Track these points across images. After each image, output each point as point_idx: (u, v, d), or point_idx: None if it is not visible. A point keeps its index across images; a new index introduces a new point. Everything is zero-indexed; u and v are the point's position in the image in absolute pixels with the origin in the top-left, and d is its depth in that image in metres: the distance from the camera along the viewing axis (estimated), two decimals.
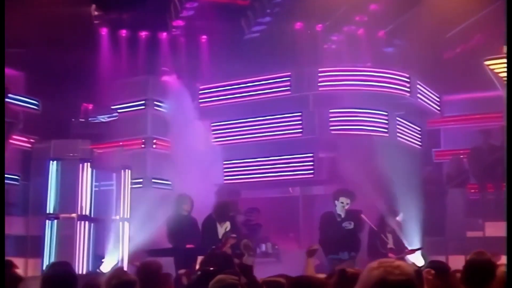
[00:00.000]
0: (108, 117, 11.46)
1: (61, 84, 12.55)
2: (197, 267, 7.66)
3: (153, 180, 12.43)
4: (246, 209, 12.41)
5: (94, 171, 10.78)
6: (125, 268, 9.79)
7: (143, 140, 12.67)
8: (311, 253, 6.03)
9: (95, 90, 12.49)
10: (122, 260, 10.45)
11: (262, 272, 10.06)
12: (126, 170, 10.89)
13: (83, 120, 12.20)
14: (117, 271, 5.27)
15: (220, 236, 9.27)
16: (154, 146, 12.75)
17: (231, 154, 13.20)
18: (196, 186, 10.89)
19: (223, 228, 9.45)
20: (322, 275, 4.71)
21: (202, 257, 8.75)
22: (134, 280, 4.60)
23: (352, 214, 9.57)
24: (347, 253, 9.29)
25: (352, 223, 9.47)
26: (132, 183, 11.49)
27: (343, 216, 9.50)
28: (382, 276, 2.55)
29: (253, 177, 13.08)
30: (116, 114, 11.41)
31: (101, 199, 11.00)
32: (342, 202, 9.48)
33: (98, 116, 11.86)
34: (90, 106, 12.70)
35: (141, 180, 12.18)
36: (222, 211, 9.42)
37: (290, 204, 13.48)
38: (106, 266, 10.28)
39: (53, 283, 4.61)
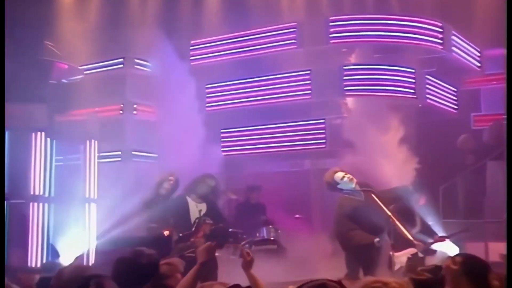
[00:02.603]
0: (71, 79, 10.17)
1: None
2: None
3: (134, 153, 11.95)
4: (245, 187, 11.59)
5: (54, 142, 9.50)
6: (92, 259, 9.27)
7: (121, 106, 12.20)
8: (248, 265, 4.67)
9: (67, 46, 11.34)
10: (88, 249, 9.47)
11: (257, 265, 9.61)
12: (92, 140, 9.75)
13: (54, 82, 10.99)
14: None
15: (192, 221, 7.89)
16: (134, 112, 12.31)
17: (228, 121, 12.77)
18: (187, 160, 10.14)
19: (197, 210, 8.04)
20: None
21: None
22: (90, 277, 4.04)
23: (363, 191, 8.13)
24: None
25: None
26: (109, 156, 11.00)
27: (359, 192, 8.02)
28: None
29: (254, 148, 12.64)
30: (81, 75, 10.14)
31: (68, 176, 9.95)
32: (343, 177, 7.97)
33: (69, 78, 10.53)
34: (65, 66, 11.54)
35: (119, 152, 11.74)
36: (196, 188, 8.02)
37: (298, 180, 12.66)
38: (67, 257, 9.20)
39: None
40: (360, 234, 7.71)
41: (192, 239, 7.51)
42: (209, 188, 8.13)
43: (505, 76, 7.61)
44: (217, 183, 8.10)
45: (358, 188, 7.87)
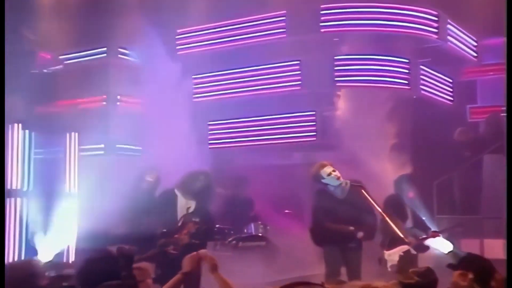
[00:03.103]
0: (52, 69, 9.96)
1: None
2: None
3: (118, 146, 11.77)
4: (233, 180, 11.50)
5: (32, 134, 9.26)
6: (72, 256, 9.15)
7: (105, 97, 11.97)
8: (214, 268, 4.49)
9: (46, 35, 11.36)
10: (68, 246, 9.29)
11: (242, 262, 9.32)
12: (72, 133, 9.50)
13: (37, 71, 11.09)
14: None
15: (178, 217, 7.65)
16: (118, 104, 12.06)
17: (216, 113, 12.56)
18: (173, 153, 10.09)
19: (185, 207, 7.79)
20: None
21: None
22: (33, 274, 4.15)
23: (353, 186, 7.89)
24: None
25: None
26: (91, 149, 10.79)
27: (343, 189, 7.80)
28: None
29: (242, 141, 12.47)
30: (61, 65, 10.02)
31: (48, 170, 9.79)
32: (330, 173, 7.73)
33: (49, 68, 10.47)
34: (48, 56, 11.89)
35: (102, 145, 11.54)
36: (189, 184, 7.78)
37: (287, 174, 12.31)
38: (46, 254, 9.07)
39: None
40: (335, 227, 7.52)
41: (176, 235, 7.26)
42: (202, 185, 7.88)
43: (505, 68, 7.57)
44: (211, 181, 7.83)
45: (344, 185, 7.65)
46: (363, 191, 7.50)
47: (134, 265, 4.75)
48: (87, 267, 4.30)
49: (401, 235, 7.72)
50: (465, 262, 4.44)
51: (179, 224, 7.42)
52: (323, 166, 7.80)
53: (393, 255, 7.85)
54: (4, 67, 8.78)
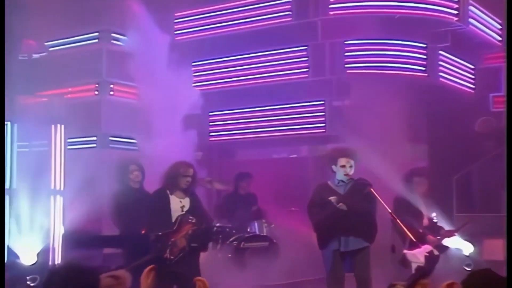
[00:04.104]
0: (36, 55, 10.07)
1: None
2: None
3: (111, 139, 11.55)
4: (235, 175, 11.12)
5: (15, 126, 9.14)
6: (58, 258, 8.92)
7: (96, 86, 11.75)
8: (147, 275, 4.39)
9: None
10: (53, 247, 9.08)
11: (244, 264, 9.31)
12: (57, 125, 9.27)
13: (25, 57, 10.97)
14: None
15: (174, 218, 7.32)
16: (111, 93, 11.80)
17: (217, 103, 12.47)
18: (171, 147, 9.94)
19: (179, 206, 7.45)
20: None
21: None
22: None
23: (359, 186, 7.51)
24: (361, 239, 7.41)
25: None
26: (83, 142, 10.79)
27: (347, 186, 7.48)
28: None
29: (246, 133, 12.37)
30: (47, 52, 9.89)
31: (33, 165, 9.51)
32: (343, 166, 7.48)
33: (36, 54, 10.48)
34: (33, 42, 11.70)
35: (94, 138, 11.38)
36: (177, 182, 7.42)
37: (294, 168, 12.43)
38: (29, 256, 8.84)
39: None
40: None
41: (173, 239, 6.96)
42: (189, 179, 7.55)
43: (505, 68, 7.77)
44: (195, 172, 7.51)
45: (346, 183, 7.39)
46: (371, 189, 7.21)
47: (108, 274, 4.46)
48: (49, 279, 3.96)
49: (412, 238, 7.39)
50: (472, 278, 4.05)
51: (175, 226, 7.11)
52: (344, 154, 7.60)
53: (418, 256, 7.60)
54: (4, 67, 8.68)
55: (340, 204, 7.15)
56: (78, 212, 9.26)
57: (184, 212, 7.24)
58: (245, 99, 12.31)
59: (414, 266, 7.57)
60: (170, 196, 7.28)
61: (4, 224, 8.35)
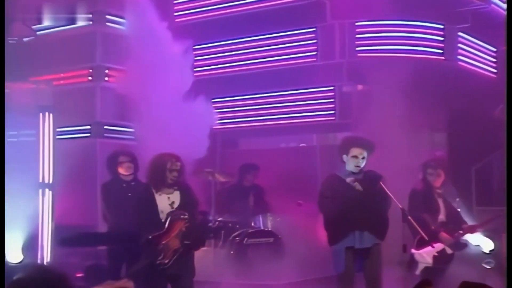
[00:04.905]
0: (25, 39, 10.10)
1: None
2: None
3: (106, 128, 11.47)
4: (240, 166, 10.99)
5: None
6: (48, 257, 9.07)
7: (90, 71, 11.68)
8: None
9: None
10: (42, 244, 9.21)
11: (247, 262, 9.15)
12: (46, 113, 9.32)
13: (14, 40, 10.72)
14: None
15: (162, 216, 6.93)
16: (106, 78, 11.72)
17: (220, 89, 12.38)
18: (171, 137, 9.67)
19: (167, 203, 7.03)
20: None
21: None
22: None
23: (371, 178, 7.23)
24: (374, 236, 7.20)
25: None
26: (76, 132, 10.85)
27: (358, 177, 7.26)
28: None
29: (251, 121, 12.33)
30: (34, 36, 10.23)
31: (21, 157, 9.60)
32: (355, 156, 7.21)
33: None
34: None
35: (88, 127, 11.29)
36: (163, 177, 7.01)
37: (301, 159, 12.29)
38: (16, 254, 9.04)
39: None
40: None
41: (164, 241, 6.57)
42: (175, 174, 7.14)
43: (505, 68, 7.61)
44: (182, 165, 7.15)
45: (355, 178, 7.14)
46: (381, 183, 6.96)
47: (111, 284, 4.30)
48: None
49: (424, 236, 7.08)
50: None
51: (166, 226, 6.72)
52: (357, 144, 7.38)
53: (425, 256, 7.42)
54: (4, 66, 8.80)
55: (356, 183, 6.91)
56: (70, 206, 9.43)
57: (174, 209, 6.87)
58: (249, 85, 12.25)
59: (421, 267, 7.40)
60: (156, 193, 6.87)
61: (4, 224, 8.38)
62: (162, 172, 6.77)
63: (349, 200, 6.91)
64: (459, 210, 8.37)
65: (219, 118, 12.18)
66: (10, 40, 10.38)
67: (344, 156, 7.21)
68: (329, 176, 7.45)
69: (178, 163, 6.82)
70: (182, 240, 6.53)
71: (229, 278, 8.59)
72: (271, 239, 9.95)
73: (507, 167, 6.33)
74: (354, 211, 6.93)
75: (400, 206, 6.81)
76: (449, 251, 7.49)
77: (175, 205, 6.79)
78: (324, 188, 7.30)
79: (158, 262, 6.34)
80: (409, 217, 6.76)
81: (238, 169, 11.07)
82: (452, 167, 9.21)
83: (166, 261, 6.35)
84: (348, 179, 6.95)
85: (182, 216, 6.66)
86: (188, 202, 6.85)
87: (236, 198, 10.52)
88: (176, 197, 6.81)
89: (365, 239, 6.96)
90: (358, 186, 6.92)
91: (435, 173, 8.16)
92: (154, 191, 6.78)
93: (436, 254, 7.41)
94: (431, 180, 8.12)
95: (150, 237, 6.48)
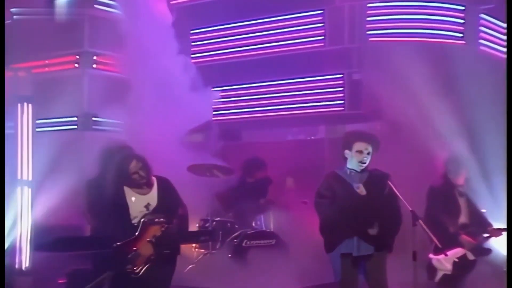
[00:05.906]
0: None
1: None
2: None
3: (94, 119, 11.27)
4: (244, 161, 10.72)
5: None
6: (26, 258, 8.83)
7: (77, 57, 11.51)
8: None
9: None
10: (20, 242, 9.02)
11: (246, 267, 8.83)
12: (24, 104, 9.04)
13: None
14: None
15: (133, 219, 6.44)
16: (94, 66, 11.61)
17: (220, 76, 12.25)
18: (165, 129, 9.90)
19: (140, 203, 6.56)
20: None
21: None
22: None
23: (378, 178, 6.89)
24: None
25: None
26: (62, 123, 10.75)
27: (362, 177, 6.96)
28: None
29: (253, 112, 12.15)
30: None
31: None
32: (360, 151, 6.83)
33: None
34: None
35: (75, 119, 11.13)
36: (129, 179, 6.55)
37: (308, 152, 12.16)
38: None
39: None
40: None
41: (135, 248, 6.09)
42: (141, 174, 6.67)
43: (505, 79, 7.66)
44: (144, 162, 6.68)
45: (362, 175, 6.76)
46: (389, 182, 6.57)
47: None
48: None
49: (437, 242, 6.60)
50: None
51: (138, 231, 6.24)
52: (362, 138, 6.92)
53: (444, 262, 7.11)
54: (4, 66, 8.78)
55: (360, 187, 6.54)
56: (51, 205, 9.22)
57: (149, 211, 6.39)
58: (252, 73, 12.10)
59: (439, 274, 7.11)
60: (126, 192, 6.42)
61: (4, 224, 8.42)
62: (127, 177, 6.34)
63: (349, 204, 6.54)
64: (484, 211, 8.01)
65: (219, 109, 12.06)
66: None
67: (347, 152, 6.79)
68: (327, 175, 6.98)
69: (139, 164, 6.35)
70: (156, 247, 6.10)
71: (225, 285, 8.31)
72: (273, 241, 9.69)
73: (507, 167, 6.28)
74: (355, 216, 6.54)
75: (410, 209, 6.37)
76: (471, 257, 7.16)
77: (151, 207, 6.36)
78: (322, 187, 6.85)
79: (126, 270, 5.88)
80: (420, 221, 6.32)
81: (241, 164, 10.72)
82: (478, 162, 8.92)
83: (136, 270, 5.90)
84: (355, 185, 6.59)
85: (156, 220, 6.23)
86: (167, 203, 6.42)
87: (236, 195, 10.19)
88: (152, 198, 6.30)
89: (365, 246, 6.58)
90: (361, 190, 6.58)
91: (457, 170, 7.82)
92: (125, 190, 6.35)
93: (456, 260, 7.07)
94: (452, 177, 7.77)
95: (115, 244, 6.04)
